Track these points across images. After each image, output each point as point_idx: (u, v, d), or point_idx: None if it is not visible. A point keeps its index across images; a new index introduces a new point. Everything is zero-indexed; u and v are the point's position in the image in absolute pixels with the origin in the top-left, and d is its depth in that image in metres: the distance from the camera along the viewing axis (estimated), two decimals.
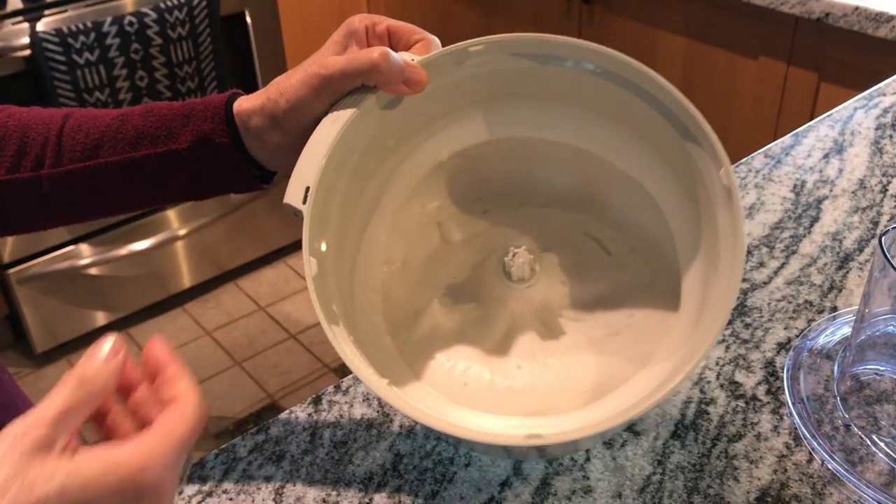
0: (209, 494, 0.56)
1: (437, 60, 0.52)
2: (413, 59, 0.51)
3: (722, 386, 0.63)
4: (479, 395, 0.51)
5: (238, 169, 0.55)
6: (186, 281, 2.18)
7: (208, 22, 1.86)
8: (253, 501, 0.55)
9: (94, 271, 2.00)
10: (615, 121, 0.53)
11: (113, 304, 2.08)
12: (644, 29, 1.65)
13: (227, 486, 0.56)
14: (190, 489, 0.56)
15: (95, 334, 2.08)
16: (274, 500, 0.55)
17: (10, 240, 1.85)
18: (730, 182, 0.45)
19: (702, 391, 0.62)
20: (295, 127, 0.52)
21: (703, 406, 0.61)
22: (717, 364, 0.65)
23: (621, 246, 0.57)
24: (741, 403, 0.61)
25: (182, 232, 2.08)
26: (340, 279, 0.51)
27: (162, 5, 1.78)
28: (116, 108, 0.58)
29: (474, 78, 0.54)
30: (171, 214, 2.08)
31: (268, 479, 0.57)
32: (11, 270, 1.89)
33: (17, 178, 0.56)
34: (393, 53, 0.50)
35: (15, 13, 1.66)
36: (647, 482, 0.56)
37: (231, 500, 0.55)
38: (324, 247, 0.48)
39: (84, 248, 1.97)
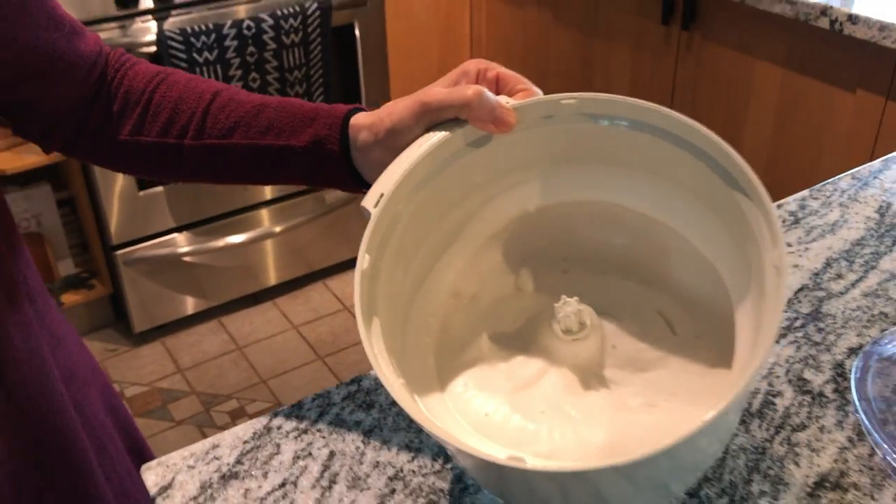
0: (304, 432, 0.62)
1: (530, 107, 0.55)
2: (508, 102, 0.55)
3: (790, 381, 0.66)
4: (495, 428, 0.52)
5: (342, 174, 0.61)
6: (277, 276, 2.28)
7: (320, 31, 1.96)
8: (343, 441, 0.61)
9: (192, 259, 2.12)
10: (690, 191, 0.54)
11: (207, 292, 2.19)
12: (741, 57, 1.67)
13: (320, 426, 0.62)
14: (288, 425, 0.62)
15: (189, 320, 2.20)
16: (362, 441, 0.61)
17: (118, 223, 1.98)
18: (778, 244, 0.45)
19: (770, 384, 0.65)
20: (394, 146, 0.57)
21: (769, 397, 0.64)
22: (786, 362, 0.67)
23: (689, 329, 0.57)
24: (807, 398, 0.64)
25: (277, 229, 2.18)
26: (396, 291, 0.54)
27: (279, 13, 1.89)
28: (260, 96, 0.65)
29: (565, 133, 0.56)
30: (267, 212, 2.18)
31: (357, 424, 0.62)
32: (119, 252, 2.01)
33: (164, 142, 0.63)
34: (488, 93, 0.54)
35: (145, 12, 1.79)
36: None
37: (324, 438, 0.61)
38: (366, 260, 0.50)
39: (185, 236, 2.09)
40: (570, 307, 0.53)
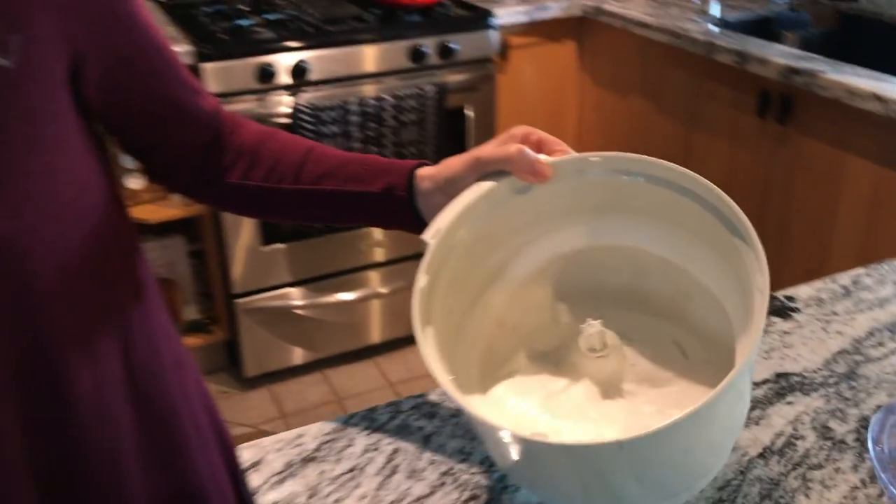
0: (375, 431, 0.72)
1: (563, 163, 0.66)
2: (545, 159, 0.66)
3: (814, 428, 0.72)
4: (526, 422, 0.61)
5: (407, 216, 0.73)
6: (380, 335, 2.42)
7: (435, 112, 2.13)
8: (406, 441, 0.71)
9: (303, 312, 2.28)
10: (698, 236, 0.63)
11: (315, 344, 2.34)
12: (834, 152, 1.72)
13: (389, 428, 0.73)
14: (361, 424, 0.73)
15: (296, 369, 2.36)
16: (422, 442, 0.71)
17: (240, 274, 2.17)
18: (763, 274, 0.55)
19: (794, 429, 0.72)
20: (451, 193, 0.68)
21: (792, 440, 0.70)
22: (814, 412, 0.74)
23: (699, 355, 0.66)
24: (828, 443, 0.70)
25: (383, 290, 2.33)
26: (448, 310, 0.64)
27: (399, 94, 2.07)
28: (345, 153, 0.79)
29: (594, 186, 0.66)
30: (376, 274, 2.33)
31: (420, 429, 0.72)
32: (238, 301, 2.20)
33: (266, 186, 0.77)
34: (528, 150, 0.66)
35: (282, 87, 2.01)
36: (727, 483, 0.66)
37: (391, 437, 0.71)
38: (424, 280, 0.62)
39: (299, 290, 2.26)
40: (594, 328, 0.63)
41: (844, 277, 0.95)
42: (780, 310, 0.89)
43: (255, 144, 0.79)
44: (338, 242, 2.25)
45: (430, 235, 0.64)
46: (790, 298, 0.91)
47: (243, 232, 2.13)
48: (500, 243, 0.68)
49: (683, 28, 2.05)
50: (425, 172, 0.71)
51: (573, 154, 0.66)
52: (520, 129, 0.69)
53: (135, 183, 2.13)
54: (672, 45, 2.07)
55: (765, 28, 2.15)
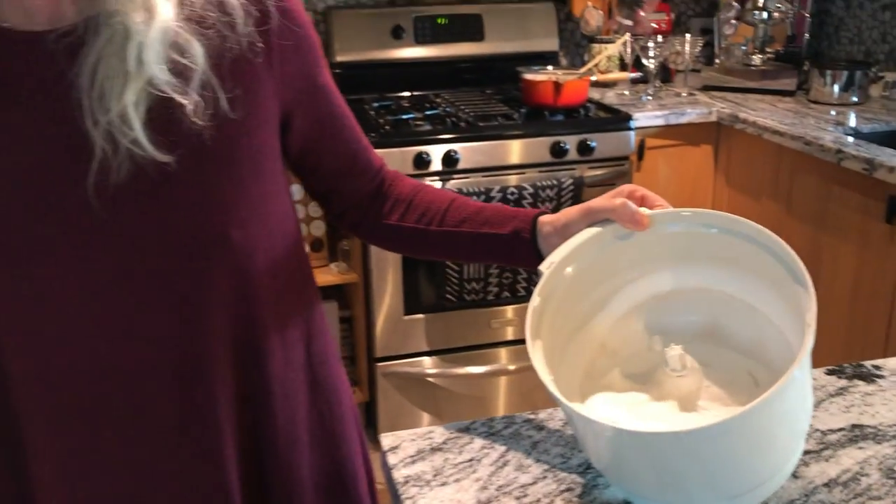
0: (492, 434, 0.87)
1: (659, 215, 0.80)
2: (644, 210, 0.81)
3: (880, 469, 0.81)
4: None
5: (529, 255, 0.90)
6: (504, 411, 2.55)
7: (571, 202, 2.30)
8: (517, 444, 0.85)
9: (435, 381, 2.45)
10: (768, 281, 0.75)
11: (443, 413, 2.50)
12: None
13: (504, 433, 0.87)
14: (482, 428, 0.88)
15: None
16: (531, 446, 0.85)
17: (382, 338, 2.37)
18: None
19: (861, 468, 0.81)
20: (566, 236, 0.84)
21: (857, 475, 0.80)
22: (883, 457, 0.83)
23: (768, 383, 0.74)
24: (891, 482, 0.79)
25: (511, 367, 2.47)
26: (557, 330, 0.78)
27: (538, 184, 2.26)
28: (482, 202, 0.97)
29: (685, 237, 0.80)
30: (506, 351, 2.48)
31: (530, 437, 0.87)
32: (379, 364, 2.40)
33: (417, 227, 0.96)
34: (631, 203, 0.81)
35: (434, 173, 2.24)
36: (790, 502, 0.76)
37: (504, 439, 0.86)
38: (537, 300, 0.76)
39: (433, 360, 2.43)
40: (676, 351, 0.76)
41: None
42: (865, 375, 0.98)
43: (410, 194, 0.98)
44: (472, 317, 2.42)
45: (545, 266, 0.80)
46: (877, 367, 0.99)
47: (388, 301, 2.34)
48: (605, 279, 0.83)
49: (815, 136, 2.15)
50: (546, 219, 0.88)
51: (669, 208, 0.81)
52: (627, 187, 0.85)
53: None
54: (803, 152, 2.17)
55: None
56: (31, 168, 0.74)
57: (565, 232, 0.84)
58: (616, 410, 0.76)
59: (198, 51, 0.74)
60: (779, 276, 0.74)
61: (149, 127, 0.73)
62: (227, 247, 0.81)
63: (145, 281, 0.79)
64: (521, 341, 2.50)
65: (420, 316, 2.38)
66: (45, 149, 0.74)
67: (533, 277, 2.33)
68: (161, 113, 0.74)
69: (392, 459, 0.84)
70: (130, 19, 0.71)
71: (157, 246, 0.78)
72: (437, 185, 2.24)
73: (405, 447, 0.86)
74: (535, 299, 0.77)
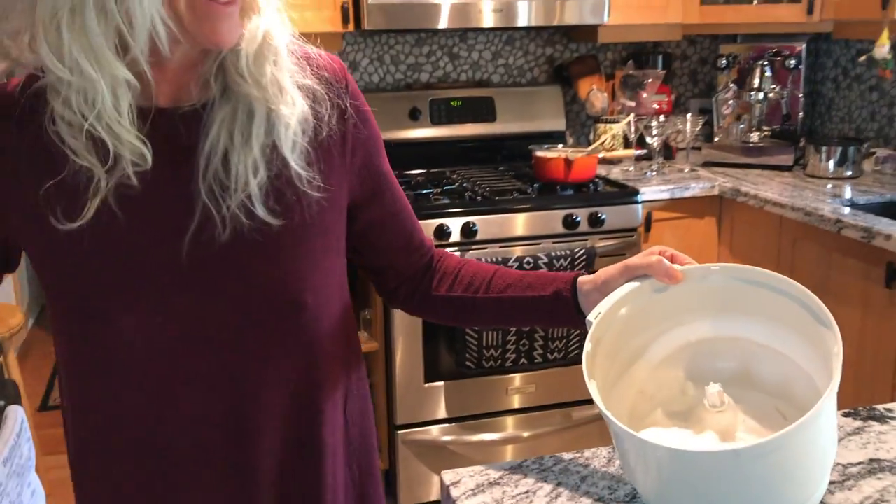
0: (543, 470, 0.95)
1: (691, 270, 0.90)
2: (676, 266, 0.91)
3: None
4: None
5: (571, 313, 0.98)
6: None
7: (584, 272, 2.41)
8: (567, 478, 0.93)
9: (452, 448, 2.51)
10: (795, 328, 0.85)
11: None
12: None
13: (555, 469, 0.95)
14: (534, 465, 0.96)
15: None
16: (580, 480, 0.93)
17: (402, 405, 2.44)
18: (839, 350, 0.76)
19: (881, 496, 0.89)
20: (606, 292, 0.93)
21: (879, 501, 0.88)
22: None
23: (796, 419, 0.82)
24: None
25: (525, 434, 2.53)
26: (604, 374, 0.86)
27: (553, 254, 2.37)
28: (523, 271, 1.07)
29: (715, 290, 0.90)
30: (515, 420, 2.55)
31: (578, 472, 0.95)
32: (400, 431, 2.46)
33: (466, 296, 1.05)
34: (664, 259, 0.90)
35: (456, 243, 2.36)
36: None
37: (555, 474, 0.94)
38: (589, 346, 0.85)
39: (450, 427, 2.50)
40: (714, 388, 0.85)
41: None
42: (878, 416, 1.07)
43: (457, 267, 1.08)
44: (490, 384, 2.49)
45: (592, 316, 0.90)
46: (888, 409, 1.09)
47: (409, 369, 2.42)
48: (642, 330, 0.93)
49: (815, 207, 2.27)
50: (585, 278, 0.97)
51: (700, 264, 0.92)
52: (658, 248, 0.95)
53: None
54: (804, 222, 2.29)
55: (894, 211, 2.34)
56: (143, 225, 0.85)
57: (605, 288, 0.94)
58: (665, 437, 0.85)
59: (307, 132, 0.87)
60: (803, 320, 0.83)
61: (264, 195, 0.85)
62: (301, 311, 0.92)
63: (217, 335, 0.89)
64: (534, 409, 2.57)
65: (440, 383, 2.45)
66: (159, 207, 0.85)
67: (549, 344, 2.42)
68: (273, 183, 0.86)
69: (454, 492, 0.92)
70: (271, 103, 0.84)
71: (236, 305, 0.89)
72: (457, 255, 2.35)
73: (465, 482, 0.94)
74: (588, 345, 0.86)
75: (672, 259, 0.94)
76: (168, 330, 0.87)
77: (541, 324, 1.06)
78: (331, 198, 0.92)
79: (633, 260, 0.94)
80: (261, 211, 0.85)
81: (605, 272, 0.96)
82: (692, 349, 0.93)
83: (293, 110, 0.86)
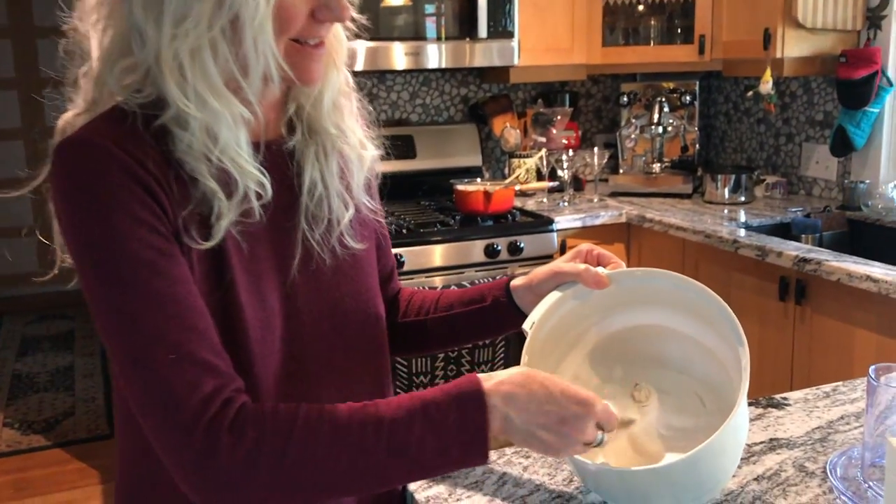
0: (489, 464, 1.06)
1: (616, 274, 1.02)
2: (602, 271, 1.02)
3: (794, 466, 1.03)
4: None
5: (512, 316, 1.08)
6: None
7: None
8: (511, 469, 1.04)
9: None
10: (704, 319, 0.99)
11: None
12: (843, 327, 2.06)
13: (499, 462, 1.06)
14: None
15: None
16: (522, 469, 1.04)
17: None
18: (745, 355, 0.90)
19: (780, 466, 1.03)
20: (538, 292, 1.04)
21: (778, 471, 1.02)
22: (795, 458, 1.05)
23: (714, 404, 1.00)
24: (802, 473, 1.01)
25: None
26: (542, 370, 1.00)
27: (476, 282, 2.49)
28: (461, 290, 1.18)
29: (637, 289, 1.02)
30: None
31: (520, 463, 1.06)
32: None
33: (417, 320, 1.14)
34: (591, 267, 1.01)
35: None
36: (730, 492, 0.97)
37: (500, 467, 1.05)
38: (525, 358, 0.96)
39: None
40: (642, 389, 0.99)
41: (826, 386, 1.28)
42: (776, 404, 1.22)
43: (408, 297, 1.18)
44: None
45: (528, 325, 1.01)
46: (784, 398, 1.24)
47: None
48: (572, 327, 1.05)
49: (714, 230, 2.47)
50: (517, 281, 1.08)
51: (623, 268, 1.04)
52: (585, 247, 1.07)
53: None
54: (705, 244, 2.49)
55: (783, 232, 2.57)
56: (260, 257, 0.92)
57: (537, 289, 1.04)
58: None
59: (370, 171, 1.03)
60: (712, 314, 0.97)
61: (352, 227, 0.99)
62: (380, 325, 1.04)
63: (313, 361, 0.96)
64: None
65: None
66: (271, 239, 0.93)
67: (475, 368, 2.53)
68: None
69: (411, 485, 1.02)
70: (348, 145, 0.98)
71: (329, 327, 0.98)
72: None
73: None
74: (524, 357, 0.97)
75: (598, 259, 1.05)
76: (273, 355, 0.92)
77: (489, 333, 1.15)
78: (380, 223, 1.08)
79: (563, 266, 1.03)
80: (350, 240, 0.98)
81: (536, 274, 1.05)
82: (618, 336, 1.05)
83: (366, 153, 1.01)
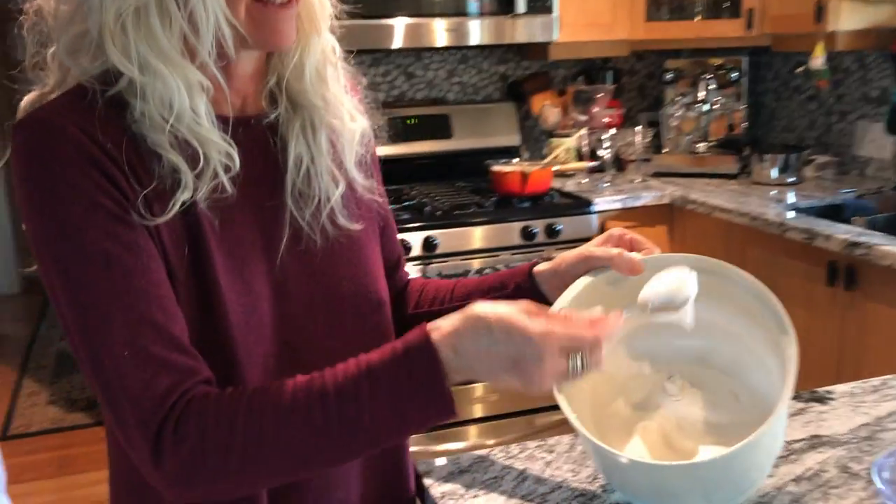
0: (510, 458, 1.01)
1: (651, 260, 0.95)
2: (637, 256, 0.94)
3: (837, 467, 0.96)
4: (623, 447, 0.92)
5: (537, 304, 1.04)
6: None
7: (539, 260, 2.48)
8: (533, 464, 0.99)
9: (418, 458, 2.55)
10: (746, 313, 0.92)
11: None
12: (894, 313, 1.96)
13: (520, 457, 1.01)
14: (500, 454, 1.02)
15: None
16: (545, 465, 0.99)
17: None
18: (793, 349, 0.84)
19: (822, 467, 0.96)
20: (565, 276, 0.97)
21: (819, 472, 0.95)
22: (838, 458, 0.98)
23: (747, 399, 0.93)
24: (846, 475, 0.95)
25: (489, 442, 2.58)
26: None
27: (512, 265, 2.44)
28: (479, 278, 1.11)
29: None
30: (479, 429, 2.60)
31: (542, 458, 1.01)
32: None
33: (433, 309, 1.09)
34: (625, 252, 0.94)
35: (417, 258, 2.41)
36: (765, 494, 0.91)
37: (521, 461, 1.00)
38: None
39: (415, 437, 2.54)
40: (675, 381, 0.93)
41: (875, 380, 1.20)
42: (820, 398, 1.15)
43: (421, 287, 1.13)
44: None
45: (554, 311, 0.95)
46: (829, 392, 1.16)
47: None
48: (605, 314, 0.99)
49: (760, 212, 2.38)
50: (542, 266, 1.02)
51: (659, 253, 0.97)
52: (616, 231, 1.00)
53: None
54: (750, 227, 2.39)
55: (835, 214, 2.45)
56: (240, 237, 0.87)
57: (564, 274, 0.97)
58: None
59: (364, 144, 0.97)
60: (754, 307, 0.90)
61: (343, 205, 0.93)
62: (383, 311, 0.99)
63: (305, 345, 0.91)
64: (499, 417, 2.62)
65: None
66: (253, 218, 0.88)
67: None
68: (346, 192, 0.94)
69: (428, 480, 0.97)
70: (336, 118, 0.92)
71: (325, 312, 0.93)
72: (419, 268, 2.41)
73: (437, 471, 0.99)
74: None
75: (631, 244, 0.97)
76: (262, 342, 0.88)
77: None
78: (380, 205, 1.02)
79: (595, 251, 0.96)
80: (342, 220, 0.92)
81: (564, 259, 0.98)
82: (649, 328, 0.99)
83: (356, 125, 0.94)
